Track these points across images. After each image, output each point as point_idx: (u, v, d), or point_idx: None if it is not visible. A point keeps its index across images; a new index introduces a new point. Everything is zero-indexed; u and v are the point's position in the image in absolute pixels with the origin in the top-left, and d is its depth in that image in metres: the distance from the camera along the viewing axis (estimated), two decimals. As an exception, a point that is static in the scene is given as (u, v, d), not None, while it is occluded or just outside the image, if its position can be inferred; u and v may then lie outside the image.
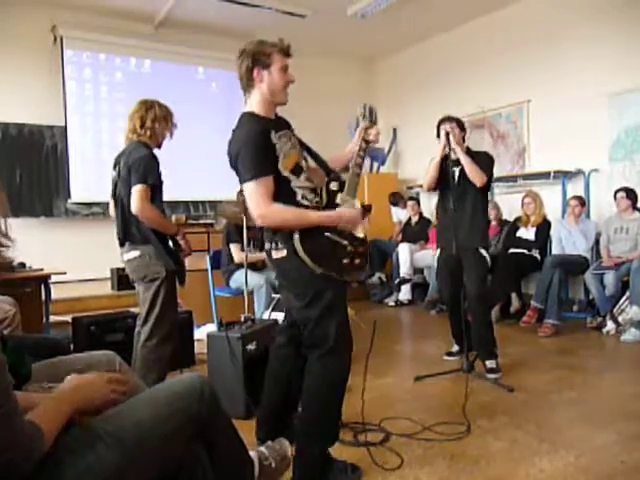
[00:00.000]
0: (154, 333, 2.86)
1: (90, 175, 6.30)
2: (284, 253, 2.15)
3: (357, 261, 2.23)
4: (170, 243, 2.94)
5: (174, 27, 6.76)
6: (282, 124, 2.29)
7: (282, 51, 2.20)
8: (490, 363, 3.54)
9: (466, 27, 6.95)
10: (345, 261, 2.18)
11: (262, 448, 1.98)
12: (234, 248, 4.48)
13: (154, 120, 2.94)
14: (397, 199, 7.20)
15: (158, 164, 2.88)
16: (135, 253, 2.89)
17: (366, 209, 2.33)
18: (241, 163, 2.11)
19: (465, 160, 3.52)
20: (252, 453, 1.86)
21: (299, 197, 2.17)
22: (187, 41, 6.86)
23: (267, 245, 2.24)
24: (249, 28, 6.82)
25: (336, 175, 2.36)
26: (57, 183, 6.19)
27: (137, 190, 2.75)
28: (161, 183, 2.90)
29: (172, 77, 6.81)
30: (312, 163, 2.40)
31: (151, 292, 2.86)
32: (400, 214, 7.19)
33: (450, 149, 3.51)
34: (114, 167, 3.00)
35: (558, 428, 2.67)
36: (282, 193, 2.13)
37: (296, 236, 2.10)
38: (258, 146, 2.10)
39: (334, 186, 2.28)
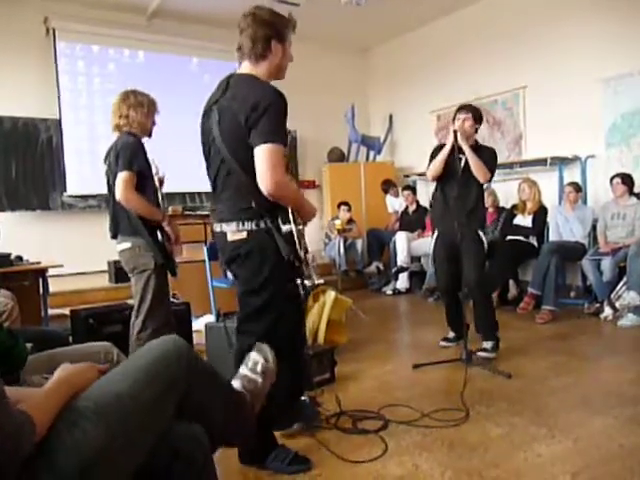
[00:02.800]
0: (147, 325, 2.85)
1: (85, 168, 6.27)
2: (244, 234, 2.12)
3: (303, 266, 2.23)
4: (159, 235, 2.91)
5: (167, 18, 6.72)
6: None
7: (293, 27, 2.20)
8: (486, 343, 3.60)
9: (461, 13, 6.91)
10: (296, 262, 2.18)
11: (242, 372, 1.86)
12: None
13: (129, 108, 2.90)
14: (388, 186, 7.19)
15: (144, 151, 2.85)
16: (126, 245, 2.90)
17: None
18: (269, 121, 1.98)
19: (472, 158, 3.56)
20: (236, 383, 1.79)
21: None
22: (180, 32, 6.82)
23: (227, 227, 2.16)
24: (243, 17, 6.78)
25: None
26: (53, 176, 6.16)
27: (121, 177, 2.74)
28: (150, 171, 2.87)
29: (166, 68, 6.77)
30: None
31: (141, 284, 2.86)
32: (395, 203, 7.18)
33: (457, 146, 3.53)
34: (105, 160, 2.99)
35: (556, 413, 2.69)
36: None
37: (292, 216, 2.09)
38: (285, 113, 2.05)
39: None
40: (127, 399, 1.30)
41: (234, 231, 2.14)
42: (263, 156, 1.98)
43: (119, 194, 2.73)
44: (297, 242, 2.10)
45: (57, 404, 1.27)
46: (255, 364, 1.83)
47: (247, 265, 2.17)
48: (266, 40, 2.11)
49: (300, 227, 2.20)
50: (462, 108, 3.70)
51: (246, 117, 2.00)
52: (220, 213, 2.21)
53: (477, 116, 3.70)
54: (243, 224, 2.12)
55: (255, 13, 2.14)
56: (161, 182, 3.02)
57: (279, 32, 2.14)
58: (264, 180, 1.99)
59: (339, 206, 6.90)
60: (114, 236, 2.97)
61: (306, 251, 2.25)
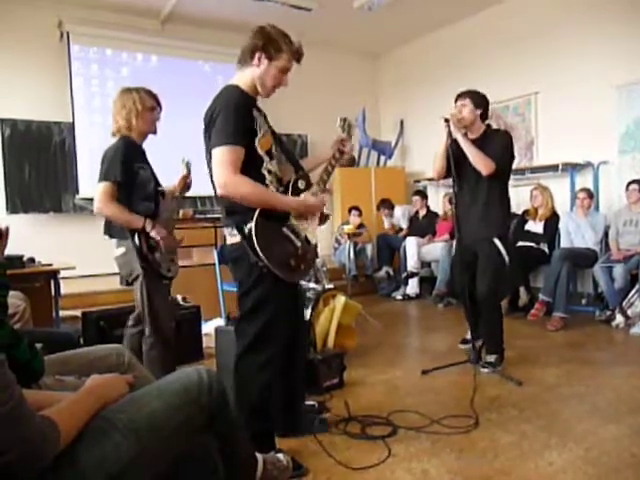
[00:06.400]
0: (151, 330, 2.85)
1: (98, 170, 6.31)
2: (237, 239, 2.14)
3: (302, 266, 2.22)
4: (137, 240, 2.79)
5: (180, 22, 6.77)
6: (261, 109, 2.26)
7: (294, 54, 2.18)
8: (490, 357, 3.51)
9: (473, 19, 6.91)
10: (292, 262, 2.16)
11: (266, 455, 2.00)
12: None
13: (119, 112, 2.89)
14: (380, 205, 7.19)
15: (131, 156, 2.79)
16: (121, 250, 2.89)
17: (324, 217, 2.38)
18: (217, 126, 2.04)
19: (467, 148, 3.29)
20: (257, 455, 1.89)
21: (267, 182, 2.15)
22: (193, 36, 6.87)
23: (225, 230, 2.24)
24: (255, 22, 6.77)
25: (305, 174, 2.35)
26: (65, 179, 6.21)
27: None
28: (137, 175, 2.80)
29: (178, 72, 6.81)
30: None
31: (138, 290, 2.84)
32: (387, 222, 7.24)
33: (451, 137, 3.30)
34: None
35: (567, 421, 2.67)
36: (252, 173, 2.08)
37: (254, 220, 2.06)
38: (239, 113, 2.06)
39: (301, 185, 2.28)
40: (160, 418, 1.35)
41: (230, 234, 2.20)
42: (213, 160, 2.04)
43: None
44: (255, 241, 2.04)
45: (86, 414, 1.30)
46: (282, 459, 2.02)
47: (239, 267, 2.21)
48: (252, 50, 2.14)
49: (291, 224, 2.19)
50: (460, 95, 3.42)
51: (206, 126, 2.11)
52: (221, 217, 2.29)
53: (478, 101, 3.39)
54: (234, 228, 2.16)
55: (259, 26, 2.18)
56: (187, 185, 3.04)
57: (267, 47, 2.13)
58: (215, 183, 2.06)
59: (350, 211, 6.90)
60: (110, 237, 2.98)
61: (303, 252, 2.22)
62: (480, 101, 3.43)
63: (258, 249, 2.04)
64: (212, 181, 2.14)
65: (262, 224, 2.08)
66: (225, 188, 2.04)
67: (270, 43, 2.13)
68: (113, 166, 2.74)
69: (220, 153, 2.02)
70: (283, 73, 2.19)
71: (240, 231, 2.11)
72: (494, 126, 3.87)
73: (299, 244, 2.21)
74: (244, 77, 2.19)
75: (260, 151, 2.12)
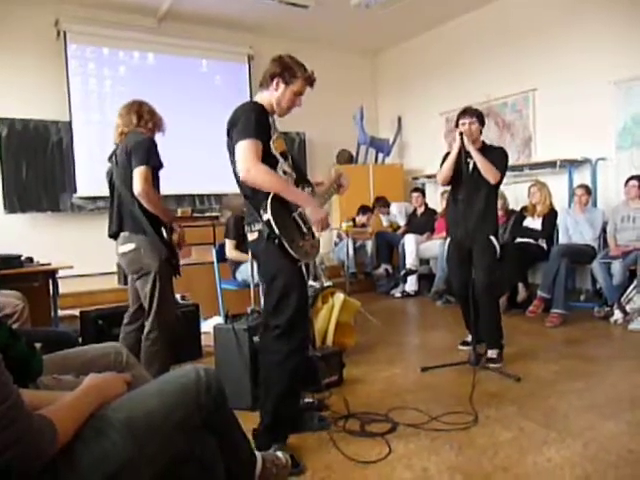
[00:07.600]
0: (155, 326, 2.89)
1: (95, 169, 6.24)
2: (256, 235, 2.35)
3: (308, 250, 2.41)
4: (164, 233, 2.91)
5: (177, 20, 6.75)
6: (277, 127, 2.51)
7: (307, 80, 2.46)
8: (491, 352, 3.55)
9: (471, 16, 6.90)
10: (300, 243, 2.35)
11: (265, 453, 2.01)
12: (228, 244, 4.48)
13: (150, 112, 2.99)
14: (375, 204, 7.18)
15: (157, 149, 2.88)
16: (130, 246, 2.89)
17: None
18: (239, 126, 2.29)
19: (479, 160, 3.55)
20: (257, 453, 1.89)
21: None
22: (190, 34, 6.85)
23: (245, 229, 2.42)
24: (252, 20, 6.82)
25: (310, 183, 2.59)
26: (63, 178, 6.20)
27: (140, 171, 2.73)
28: (160, 167, 2.90)
29: (176, 70, 6.81)
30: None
31: (149, 286, 2.87)
32: (389, 217, 7.23)
33: (464, 149, 3.53)
34: (109, 159, 3.02)
35: (565, 417, 2.67)
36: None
37: (269, 200, 2.25)
38: (258, 117, 2.32)
39: (307, 191, 2.51)
40: (158, 418, 1.35)
41: (250, 232, 2.40)
42: (237, 152, 2.27)
43: (139, 187, 2.72)
44: (275, 226, 2.23)
45: (83, 413, 1.29)
46: (281, 457, 2.05)
47: (262, 256, 2.39)
48: (271, 75, 2.43)
49: (299, 212, 2.38)
50: (465, 112, 3.68)
51: (228, 129, 2.37)
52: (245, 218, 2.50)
53: (481, 119, 3.70)
54: (253, 223, 2.37)
55: (279, 56, 2.47)
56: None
57: (284, 73, 2.42)
58: (238, 170, 2.28)
59: (359, 210, 6.87)
60: (114, 235, 2.99)
61: (309, 239, 2.43)
62: (482, 119, 3.74)
63: (273, 222, 2.22)
64: (235, 174, 2.36)
65: (276, 205, 2.28)
66: (248, 173, 2.24)
67: (287, 70, 2.42)
68: (152, 153, 2.81)
69: (244, 145, 2.25)
70: (297, 96, 2.47)
71: (257, 212, 2.30)
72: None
73: (305, 230, 2.40)
74: (262, 98, 2.47)
75: (275, 152, 2.37)
